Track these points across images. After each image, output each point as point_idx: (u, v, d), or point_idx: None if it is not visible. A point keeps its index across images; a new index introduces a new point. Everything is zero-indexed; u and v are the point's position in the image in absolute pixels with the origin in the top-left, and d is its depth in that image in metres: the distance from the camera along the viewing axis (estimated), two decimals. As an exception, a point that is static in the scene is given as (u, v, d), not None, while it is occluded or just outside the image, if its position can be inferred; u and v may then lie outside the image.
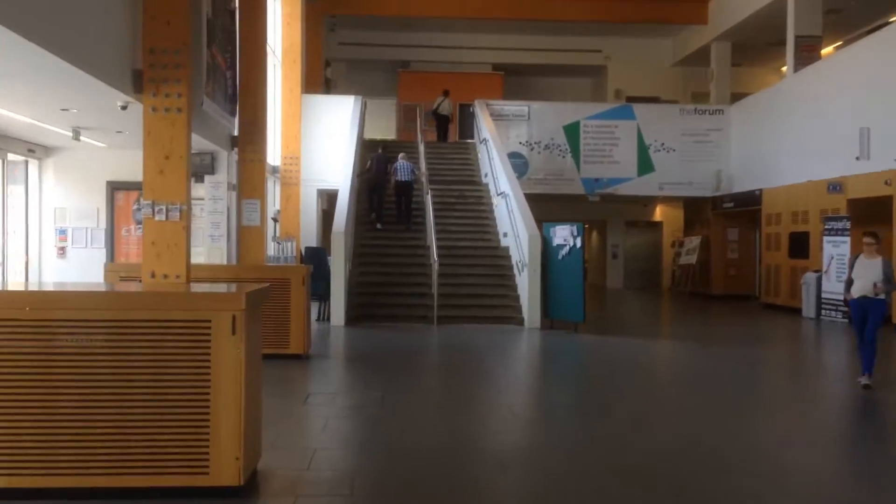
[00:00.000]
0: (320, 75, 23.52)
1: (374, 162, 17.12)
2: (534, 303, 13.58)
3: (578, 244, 12.82)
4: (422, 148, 19.56)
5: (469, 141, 22.08)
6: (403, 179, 16.79)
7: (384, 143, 18.15)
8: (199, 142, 12.25)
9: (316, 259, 14.00)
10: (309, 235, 19.45)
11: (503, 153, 17.79)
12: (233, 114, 12.68)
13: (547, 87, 27.64)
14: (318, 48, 22.78)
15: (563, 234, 13.16)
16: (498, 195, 16.80)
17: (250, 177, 13.31)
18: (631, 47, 26.87)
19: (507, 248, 15.77)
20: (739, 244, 22.31)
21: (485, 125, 19.68)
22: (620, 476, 4.93)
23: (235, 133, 13.43)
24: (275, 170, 18.45)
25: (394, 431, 5.97)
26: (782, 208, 18.41)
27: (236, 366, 4.36)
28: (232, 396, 4.34)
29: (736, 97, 22.48)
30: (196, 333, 4.32)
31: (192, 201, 13.71)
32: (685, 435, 6.07)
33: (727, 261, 22.30)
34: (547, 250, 13.61)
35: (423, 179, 17.65)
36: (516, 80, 27.23)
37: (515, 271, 14.83)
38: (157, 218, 8.30)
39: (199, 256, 13.17)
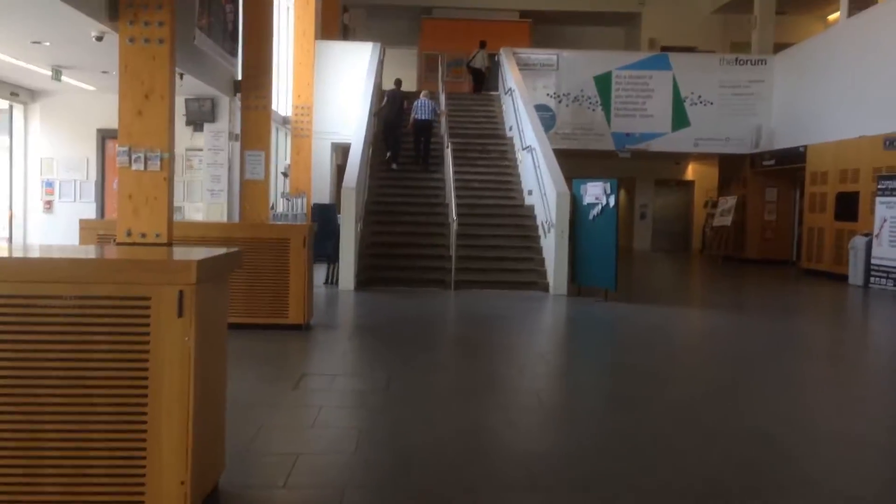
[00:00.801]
0: (337, 21, 22.27)
1: (388, 99, 16.15)
2: (560, 267, 12.46)
3: (612, 203, 11.64)
4: (443, 99, 18.32)
5: (493, 93, 20.80)
6: (423, 118, 15.88)
7: (398, 80, 17.02)
8: (197, 86, 11.16)
9: (324, 217, 12.94)
10: (322, 192, 18.40)
11: (530, 105, 16.53)
12: (233, 54, 11.53)
13: (577, 36, 26.16)
14: (334, -9, 21.45)
15: (595, 192, 11.98)
16: (523, 149, 15.60)
17: (254, 126, 12.16)
18: (667, -8, 25.28)
19: (532, 207, 14.61)
20: (778, 205, 21.00)
21: (511, 75, 18.40)
22: (678, 496, 3.87)
23: (239, 77, 12.30)
24: (285, 121, 17.36)
25: (398, 428, 4.94)
26: (829, 166, 17.04)
27: (183, 360, 3.30)
28: (177, 401, 3.30)
29: (779, 48, 20.94)
30: (129, 316, 3.27)
31: (191, 152, 12.75)
32: (752, 434, 4.98)
33: (764, 223, 21.01)
34: (576, 210, 12.45)
35: (443, 119, 16.70)
36: (545, 29, 25.79)
37: (541, 232, 13.70)
38: (134, 167, 7.24)
39: (198, 213, 12.17)
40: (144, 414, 3.28)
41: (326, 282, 13.07)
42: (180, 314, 3.30)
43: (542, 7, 25.53)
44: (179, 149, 12.26)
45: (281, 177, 17.64)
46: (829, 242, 16.89)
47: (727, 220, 21.08)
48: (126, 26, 7.21)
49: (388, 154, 16.10)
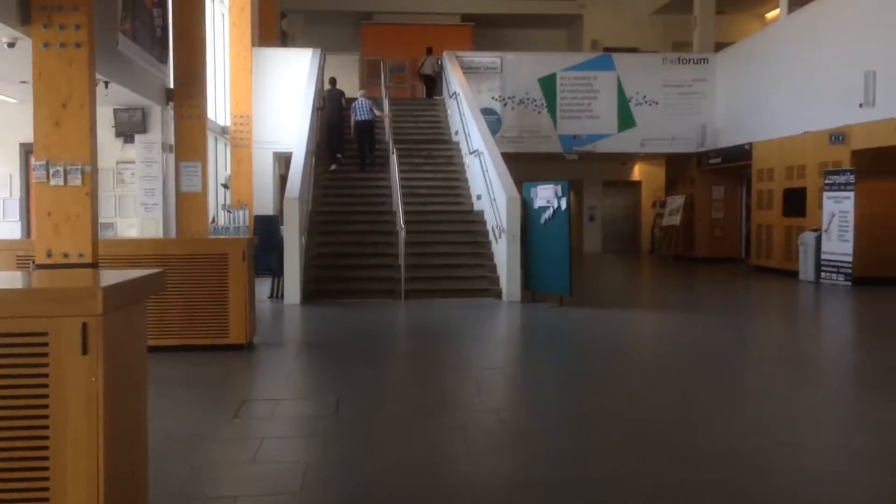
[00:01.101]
0: (275, 27, 21.68)
1: (326, 99, 16.00)
2: (513, 273, 12.12)
3: (564, 206, 11.35)
4: (386, 105, 17.90)
5: (437, 98, 20.44)
6: (363, 118, 15.63)
7: (333, 78, 16.72)
8: (126, 95, 10.56)
9: (267, 229, 12.40)
10: (265, 203, 17.80)
11: (475, 108, 16.20)
12: (163, 61, 10.94)
13: (519, 39, 25.97)
14: (270, -4, 20.88)
15: (546, 195, 11.68)
16: (470, 154, 15.26)
17: (189, 136, 11.59)
18: (607, -6, 25.24)
19: (481, 213, 14.27)
20: (725, 203, 21.04)
21: (455, 78, 18.05)
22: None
23: (171, 85, 11.72)
24: (224, 130, 16.74)
25: (348, 460, 4.49)
26: (775, 163, 17.07)
27: (90, 403, 2.82)
28: (83, 451, 2.81)
29: (720, 47, 21.00)
30: (24, 355, 2.78)
31: (122, 165, 12.09)
32: (726, 449, 4.66)
33: (712, 221, 21.02)
34: (527, 214, 12.13)
35: (386, 120, 16.62)
36: (486, 32, 25.54)
37: (492, 238, 13.36)
38: (52, 182, 6.68)
39: (131, 229, 11.53)
40: (46, 469, 2.79)
41: (271, 296, 12.54)
42: (84, 351, 2.82)
43: (484, 10, 25.30)
44: (109, 162, 11.62)
45: (221, 189, 17.01)
46: (777, 239, 16.90)
47: (676, 220, 21.05)
48: (39, 30, 6.67)
49: (335, 156, 15.84)
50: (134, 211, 11.47)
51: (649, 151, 20.99)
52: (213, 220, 16.06)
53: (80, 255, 6.65)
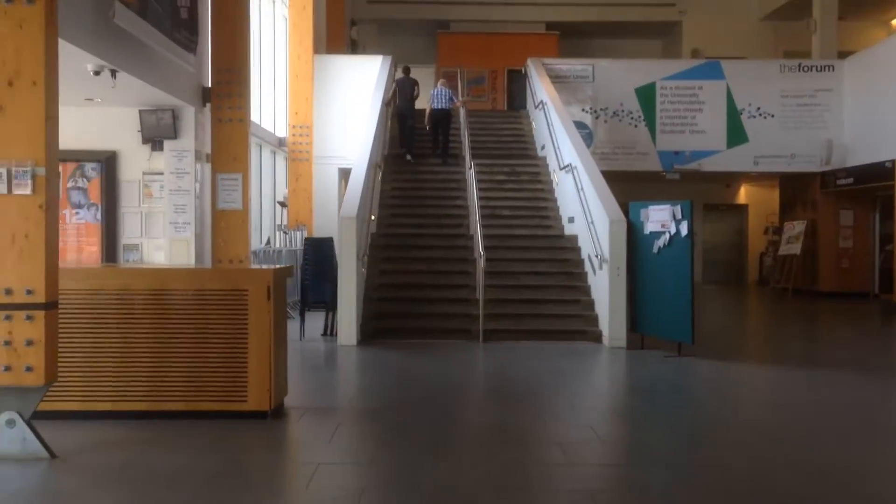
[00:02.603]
0: (344, 36, 19.97)
1: (398, 87, 15.20)
2: (617, 313, 9.81)
3: (684, 231, 9.01)
4: (463, 115, 15.84)
5: (520, 111, 18.34)
6: (438, 107, 14.77)
7: (406, 67, 15.71)
8: (154, 94, 8.73)
9: (320, 254, 10.41)
10: (327, 224, 15.82)
11: (567, 117, 14.00)
12: (190, 49, 9.07)
13: (610, 49, 23.60)
14: (339, 1, 19.14)
15: (661, 218, 9.36)
16: (561, 169, 13.04)
17: (228, 142, 9.78)
18: (710, -1, 22.75)
19: (574, 238, 12.03)
20: (854, 231, 18.19)
21: (542, 86, 15.92)
22: None
23: (208, 83, 9.92)
24: (281, 143, 14.95)
25: None
26: (927, 183, 14.28)
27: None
28: None
29: (840, 56, 18.32)
30: None
31: (149, 177, 10.31)
32: None
33: (839, 251, 18.20)
34: (635, 241, 9.83)
35: (463, 109, 15.66)
36: (574, 43, 23.31)
37: (588, 268, 11.09)
38: (-6, 189, 4.76)
39: (159, 252, 9.68)
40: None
41: (325, 333, 10.55)
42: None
43: (571, 18, 23.11)
44: (135, 173, 9.84)
45: (279, 208, 15.21)
46: (930, 273, 14.08)
47: (796, 249, 18.32)
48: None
49: (404, 150, 14.95)
50: (163, 231, 9.65)
51: (764, 170, 18.33)
52: (269, 242, 14.26)
53: (30, 293, 4.70)
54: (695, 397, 7.34)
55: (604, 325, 10.13)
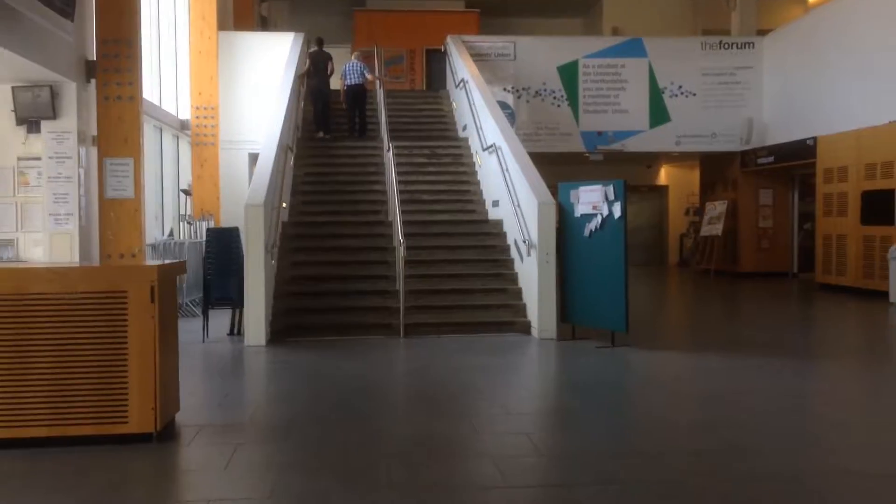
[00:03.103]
0: (252, 12, 18.85)
1: (310, 61, 14.40)
2: (546, 302, 9.23)
3: (618, 213, 8.47)
4: (381, 96, 15.03)
5: (439, 91, 17.64)
6: (352, 83, 14.28)
7: (319, 38, 14.86)
8: (26, 67, 7.67)
9: (223, 246, 9.49)
10: (236, 213, 14.82)
11: (489, 96, 13.35)
12: (66, 13, 8.01)
13: (531, 28, 23.10)
14: (245, -26, 18.04)
15: (592, 199, 8.80)
16: (484, 150, 12.39)
17: (117, 123, 8.78)
18: (630, -24, 22.42)
19: (499, 223, 11.42)
20: (774, 210, 18.18)
21: (463, 64, 15.23)
22: None
23: (93, 56, 8.86)
24: (184, 126, 13.86)
25: None
26: (850, 160, 14.20)
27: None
28: None
29: (759, 34, 18.23)
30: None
31: (26, 163, 9.19)
32: None
33: (759, 231, 18.17)
34: (564, 224, 9.25)
35: (379, 82, 15.24)
36: (494, 21, 22.70)
37: (515, 254, 10.50)
38: None
39: (38, 247, 8.61)
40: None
41: (231, 332, 9.66)
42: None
43: (491, -5, 22.51)
44: (9, 158, 8.72)
45: (183, 196, 14.13)
46: (854, 252, 14.02)
47: (717, 229, 18.20)
48: None
49: (319, 128, 14.34)
50: (42, 224, 8.56)
51: (686, 150, 18.12)
52: (171, 234, 13.21)
53: None
54: (634, 393, 6.79)
55: (532, 315, 9.54)
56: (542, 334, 9.20)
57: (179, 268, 5.62)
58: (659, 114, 17.66)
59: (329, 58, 14.56)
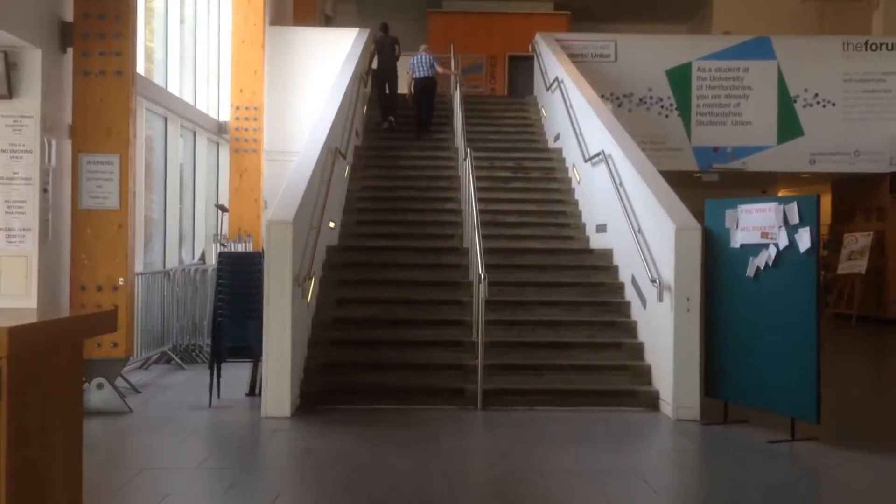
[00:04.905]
0: (314, 9, 16.70)
1: (377, 49, 13.17)
2: (686, 367, 6.47)
3: (805, 243, 5.70)
4: (458, 100, 12.51)
5: (525, 97, 15.10)
6: (421, 76, 12.81)
7: (384, 24, 13.45)
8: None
9: (241, 276, 7.03)
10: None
11: (593, 95, 10.73)
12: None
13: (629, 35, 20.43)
14: (307, -34, 15.90)
15: (760, 222, 6.04)
16: (586, 162, 9.74)
17: (99, 107, 6.46)
18: (745, -26, 19.53)
19: (608, 254, 8.75)
20: (932, 244, 14.94)
21: (556, 61, 12.70)
22: None
23: (70, 18, 6.58)
24: (222, 129, 11.61)
25: None
26: None
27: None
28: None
29: None
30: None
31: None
32: None
33: (914, 268, 14.94)
34: (713, 258, 6.50)
35: (454, 79, 13.41)
36: (585, 27, 20.02)
37: (632, 295, 7.80)
38: None
39: (-15, 273, 6.29)
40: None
41: (250, 393, 7.21)
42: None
43: (584, -5, 19.92)
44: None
45: (219, 213, 11.86)
46: None
47: (860, 266, 15.03)
48: None
49: (385, 117, 12.83)
50: (-8, 241, 6.28)
51: (823, 170, 15.04)
52: (203, 258, 10.91)
53: None
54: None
55: (662, 383, 6.80)
56: (680, 413, 6.44)
57: (86, 324, 3.11)
58: (790, 127, 14.68)
59: (396, 41, 13.31)
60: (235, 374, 7.42)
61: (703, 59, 14.78)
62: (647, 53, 14.87)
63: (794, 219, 5.79)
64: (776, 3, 19.39)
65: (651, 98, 14.77)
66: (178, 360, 8.95)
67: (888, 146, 14.55)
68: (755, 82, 14.71)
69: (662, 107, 14.77)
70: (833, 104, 14.69)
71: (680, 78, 14.76)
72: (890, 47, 14.73)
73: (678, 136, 14.78)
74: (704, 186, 15.50)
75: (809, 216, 5.70)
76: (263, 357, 6.47)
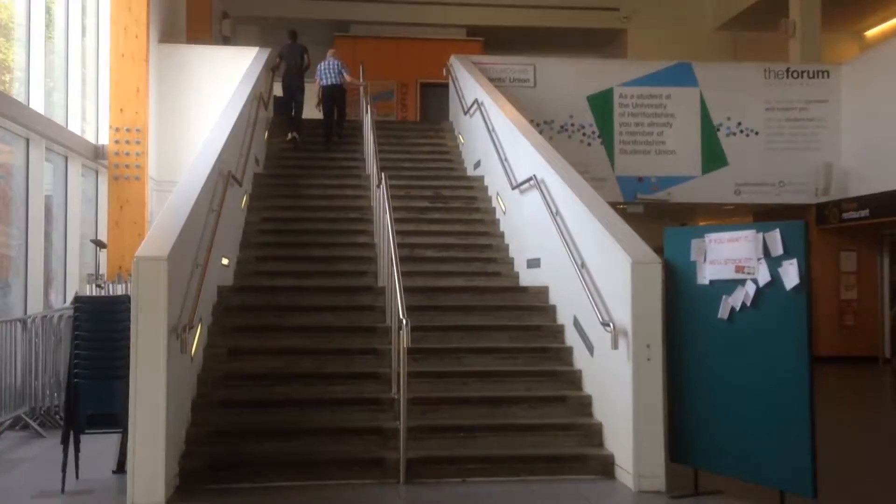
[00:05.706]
0: (209, 29, 15.40)
1: (284, 56, 12.45)
2: (649, 426, 5.45)
3: (793, 279, 4.80)
4: (368, 128, 11.37)
5: (440, 122, 14.14)
6: (328, 83, 12.27)
7: (293, 31, 12.84)
8: None
9: (101, 326, 5.68)
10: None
11: (518, 117, 9.82)
12: None
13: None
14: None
15: (733, 254, 5.12)
16: (514, 189, 8.75)
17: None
18: (659, 4, 19.21)
19: (542, 292, 7.74)
20: (859, 277, 14.59)
21: (475, 83, 11.79)
22: None
23: None
24: (98, 153, 10.16)
25: None
26: None
27: None
28: None
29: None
30: None
31: None
32: None
33: (840, 304, 14.54)
34: (676, 296, 5.54)
35: (362, 90, 12.74)
36: (500, 53, 19.40)
37: (574, 340, 6.79)
38: None
39: None
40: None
41: (118, 470, 5.83)
42: None
43: (497, 21, 19.23)
44: None
45: (98, 250, 10.35)
46: None
47: (788, 301, 14.55)
48: None
49: (290, 129, 12.11)
50: None
51: (748, 201, 14.56)
52: (76, 300, 9.35)
53: None
54: None
55: (617, 444, 5.77)
56: (642, 483, 5.40)
57: None
58: (714, 156, 14.17)
59: (304, 50, 12.53)
60: (105, 444, 6.05)
61: (625, 84, 14.16)
62: (567, 78, 14.15)
63: (777, 249, 4.89)
64: (691, 33, 19.15)
65: (573, 125, 14.04)
66: (37, 427, 7.45)
67: (813, 176, 14.18)
68: (678, 110, 14.16)
69: (584, 134, 14.04)
70: (756, 133, 14.27)
71: (601, 104, 14.10)
72: (811, 74, 14.45)
73: (601, 165, 14.05)
74: (628, 219, 14.82)
75: (796, 246, 4.82)
76: (129, 427, 5.13)
